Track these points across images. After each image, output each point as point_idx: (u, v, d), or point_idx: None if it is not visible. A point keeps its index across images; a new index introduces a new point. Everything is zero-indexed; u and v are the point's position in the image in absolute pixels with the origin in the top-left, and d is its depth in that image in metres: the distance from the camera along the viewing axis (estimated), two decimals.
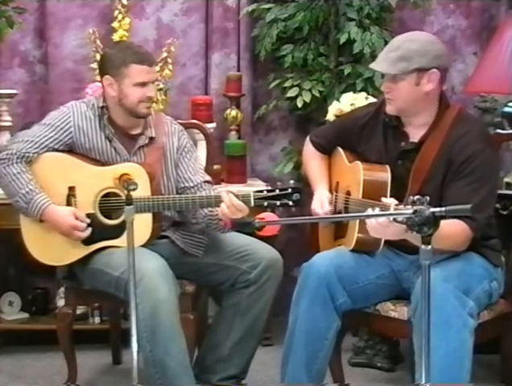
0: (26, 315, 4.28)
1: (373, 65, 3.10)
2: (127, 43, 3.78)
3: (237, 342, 3.38)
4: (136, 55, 3.28)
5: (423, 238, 2.21)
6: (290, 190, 3.03)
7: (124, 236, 2.95)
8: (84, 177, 3.28)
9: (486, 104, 4.26)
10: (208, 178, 3.43)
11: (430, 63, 2.98)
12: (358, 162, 3.15)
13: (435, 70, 2.99)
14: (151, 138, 3.37)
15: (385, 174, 3.09)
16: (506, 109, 4.10)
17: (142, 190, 3.08)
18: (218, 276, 3.39)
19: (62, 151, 3.32)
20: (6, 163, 3.27)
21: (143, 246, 3.18)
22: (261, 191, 3.09)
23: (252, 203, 3.08)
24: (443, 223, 2.66)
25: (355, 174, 3.15)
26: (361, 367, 3.92)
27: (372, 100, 4.02)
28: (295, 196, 3.02)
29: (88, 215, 3.26)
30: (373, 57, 4.30)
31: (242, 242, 3.39)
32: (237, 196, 3.09)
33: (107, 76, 3.31)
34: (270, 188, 3.10)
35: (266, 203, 3.06)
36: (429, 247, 2.21)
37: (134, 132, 3.38)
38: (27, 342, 4.14)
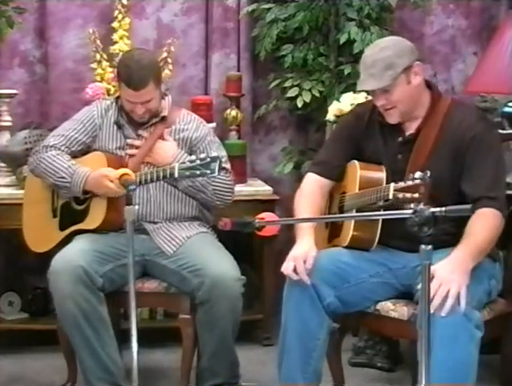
0: (26, 315, 4.28)
1: (361, 87, 3.08)
2: (129, 58, 3.43)
3: (212, 356, 3.34)
4: (126, 76, 3.35)
5: (422, 238, 2.20)
6: (208, 159, 3.09)
7: (86, 220, 3.38)
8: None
9: (486, 104, 4.25)
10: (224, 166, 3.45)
11: (410, 58, 3.04)
12: (355, 161, 3.17)
13: (417, 62, 3.06)
14: (163, 117, 3.48)
15: (381, 174, 3.11)
16: (506, 109, 4.10)
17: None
18: (181, 285, 3.36)
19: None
20: (41, 153, 3.43)
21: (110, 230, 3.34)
22: (184, 163, 3.18)
23: (176, 174, 3.15)
24: (474, 231, 2.84)
25: (351, 171, 3.17)
26: (361, 367, 3.91)
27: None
28: (213, 165, 3.08)
29: (64, 204, 3.46)
30: None
31: (199, 254, 3.33)
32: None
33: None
34: (192, 158, 3.16)
35: (188, 173, 3.13)
36: (429, 247, 2.21)
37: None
38: (27, 342, 4.14)
